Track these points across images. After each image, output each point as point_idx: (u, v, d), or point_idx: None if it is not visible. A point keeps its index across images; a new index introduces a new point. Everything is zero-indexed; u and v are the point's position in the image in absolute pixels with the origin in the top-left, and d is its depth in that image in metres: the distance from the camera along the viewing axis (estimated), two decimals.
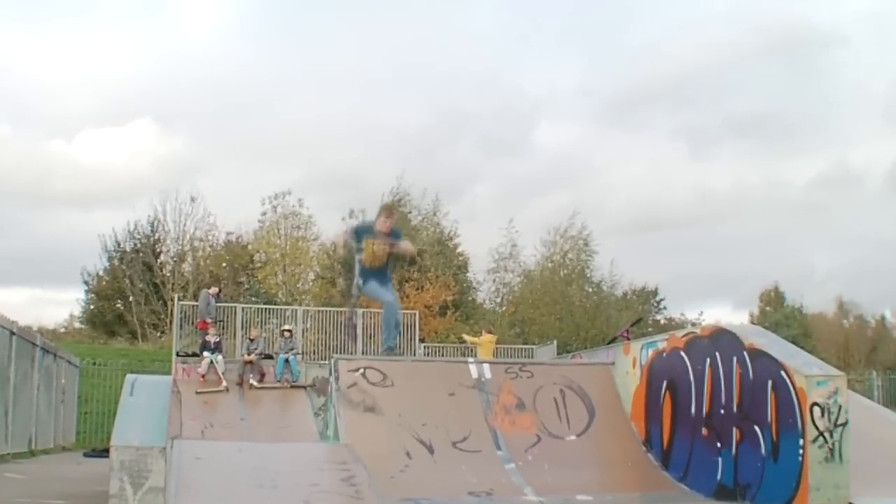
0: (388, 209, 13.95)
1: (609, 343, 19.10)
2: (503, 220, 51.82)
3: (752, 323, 47.93)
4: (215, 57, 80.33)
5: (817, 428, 9.72)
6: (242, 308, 28.37)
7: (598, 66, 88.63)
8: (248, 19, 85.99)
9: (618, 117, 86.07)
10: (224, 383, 22.08)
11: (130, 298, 47.82)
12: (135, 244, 49.20)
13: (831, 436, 9.73)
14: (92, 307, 50.79)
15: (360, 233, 13.45)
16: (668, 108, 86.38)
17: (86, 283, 50.49)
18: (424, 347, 32.33)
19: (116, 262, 48.99)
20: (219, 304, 25.57)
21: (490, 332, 29.10)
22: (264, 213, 50.00)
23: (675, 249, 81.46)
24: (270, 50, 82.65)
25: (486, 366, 13.85)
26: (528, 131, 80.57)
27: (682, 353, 12.31)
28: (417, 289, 40.31)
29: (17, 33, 79.30)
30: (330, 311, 30.20)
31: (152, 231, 49.69)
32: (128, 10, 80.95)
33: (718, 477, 11.17)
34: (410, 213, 47.69)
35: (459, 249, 48.94)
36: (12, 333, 20.03)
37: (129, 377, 10.07)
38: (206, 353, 22.69)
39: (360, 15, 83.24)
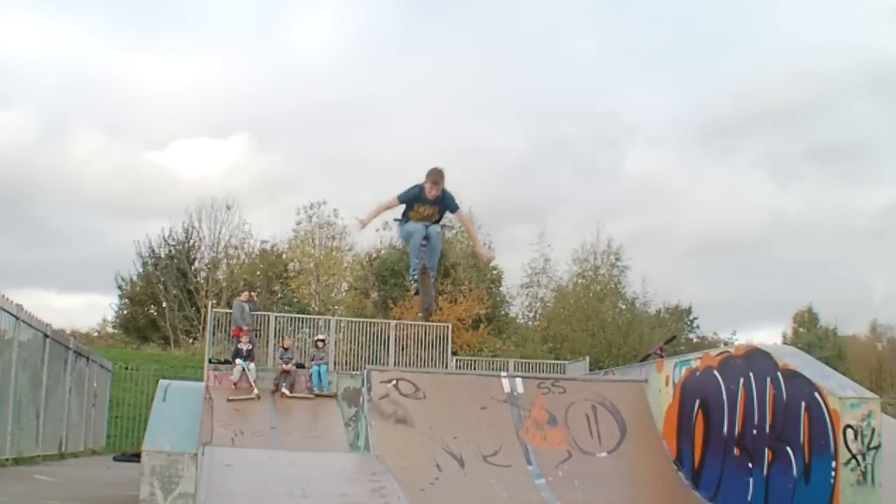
0: (435, 176, 12.10)
1: (642, 360, 19.03)
2: (575, 242, 51.42)
3: (785, 343, 47.63)
4: (319, 79, 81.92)
5: (850, 450, 9.64)
6: (275, 317, 28.39)
7: (688, 95, 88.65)
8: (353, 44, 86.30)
9: (697, 143, 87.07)
10: (255, 391, 22.12)
11: (164, 304, 48.10)
12: (169, 250, 49.46)
13: (864, 459, 9.64)
14: (125, 312, 51.04)
15: (408, 200, 12.33)
16: (747, 136, 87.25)
17: (119, 287, 50.80)
18: (457, 360, 32.30)
19: (151, 268, 49.24)
20: (253, 312, 25.59)
21: None
22: (299, 223, 50.18)
23: (738, 271, 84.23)
24: (371, 76, 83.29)
25: (518, 380, 13.82)
26: (614, 158, 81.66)
27: (716, 373, 12.25)
28: (450, 301, 40.25)
29: (129, 48, 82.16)
30: (362, 322, 30.20)
31: (187, 237, 49.94)
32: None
33: (749, 498, 11.09)
34: (444, 226, 47.52)
35: (493, 263, 48.85)
36: (45, 336, 20.17)
37: (163, 383, 10.12)
38: (238, 361, 22.73)
39: (458, 39, 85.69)
